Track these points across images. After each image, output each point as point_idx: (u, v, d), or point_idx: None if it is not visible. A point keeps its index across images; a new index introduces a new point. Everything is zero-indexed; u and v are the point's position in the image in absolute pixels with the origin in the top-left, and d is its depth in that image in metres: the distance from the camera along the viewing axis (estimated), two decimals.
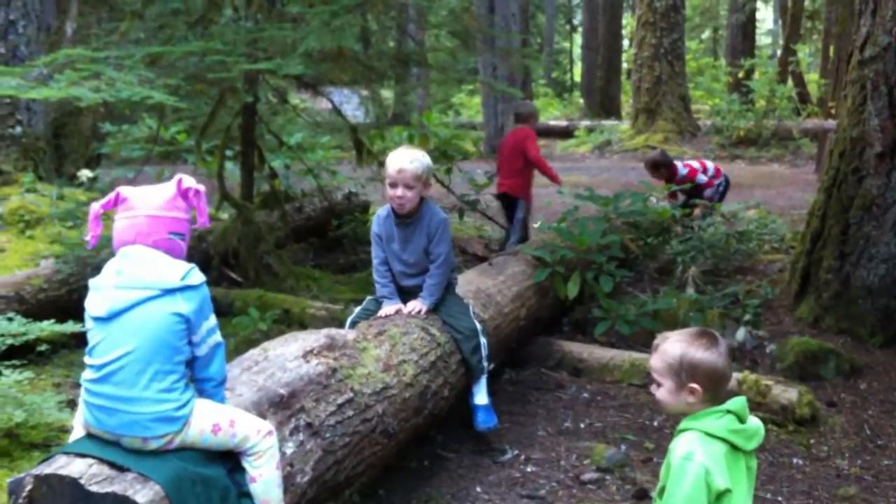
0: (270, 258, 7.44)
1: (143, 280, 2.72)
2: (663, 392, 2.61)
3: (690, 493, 2.43)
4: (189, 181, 2.90)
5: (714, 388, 2.56)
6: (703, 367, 2.54)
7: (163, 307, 2.71)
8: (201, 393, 2.87)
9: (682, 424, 2.59)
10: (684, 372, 2.55)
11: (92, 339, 2.78)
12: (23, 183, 8.45)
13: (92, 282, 2.82)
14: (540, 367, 5.73)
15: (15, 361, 4.82)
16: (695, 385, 2.54)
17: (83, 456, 2.63)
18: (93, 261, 5.95)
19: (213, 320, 2.86)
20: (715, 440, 2.52)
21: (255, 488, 2.86)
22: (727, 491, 2.47)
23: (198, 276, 2.81)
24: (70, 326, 4.86)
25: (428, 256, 4.45)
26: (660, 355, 2.61)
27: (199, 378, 2.86)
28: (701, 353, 2.54)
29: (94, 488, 2.49)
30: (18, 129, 8.78)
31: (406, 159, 4.26)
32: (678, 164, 8.74)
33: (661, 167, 8.62)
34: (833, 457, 4.48)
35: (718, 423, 2.54)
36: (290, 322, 6.39)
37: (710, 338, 2.59)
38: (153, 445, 2.70)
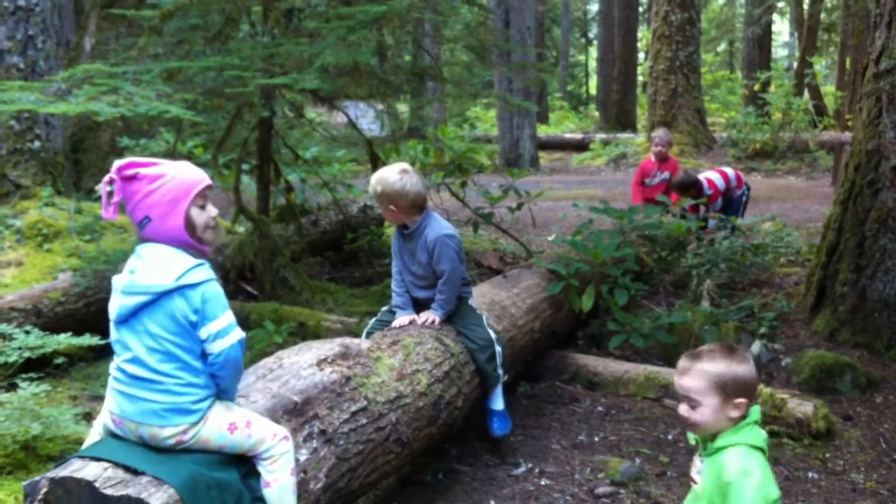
0: (286, 272, 7.48)
1: (141, 285, 2.72)
2: (705, 412, 2.62)
3: None
4: (116, 164, 2.77)
5: (752, 401, 2.65)
6: (751, 381, 2.63)
7: (162, 310, 2.71)
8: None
9: (721, 441, 2.63)
10: (730, 388, 2.58)
11: (111, 337, 2.83)
12: (41, 197, 8.52)
13: (113, 280, 2.85)
14: (554, 381, 5.73)
15: (32, 374, 4.85)
16: (741, 400, 2.57)
17: (98, 459, 2.66)
18: (111, 274, 5.99)
19: (222, 321, 2.78)
20: (757, 451, 2.59)
21: (269, 493, 2.87)
22: (777, 499, 2.55)
23: (197, 275, 2.74)
24: (87, 339, 4.90)
25: (434, 271, 4.44)
26: (698, 375, 2.62)
27: (211, 374, 2.84)
28: (744, 368, 2.61)
29: (108, 491, 2.52)
30: (37, 144, 8.84)
31: (370, 183, 4.35)
32: (702, 180, 8.67)
33: (691, 188, 8.52)
34: (849, 471, 4.46)
35: (756, 435, 2.62)
36: (306, 335, 6.41)
37: (741, 353, 2.67)
38: (168, 432, 2.72)
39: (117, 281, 2.82)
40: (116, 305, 2.77)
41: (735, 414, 2.60)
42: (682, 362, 2.69)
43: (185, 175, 2.83)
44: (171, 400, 2.72)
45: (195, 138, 9.21)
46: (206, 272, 2.77)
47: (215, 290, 2.79)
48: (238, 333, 2.84)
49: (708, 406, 2.61)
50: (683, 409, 2.67)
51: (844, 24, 21.96)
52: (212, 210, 2.89)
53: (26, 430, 4.30)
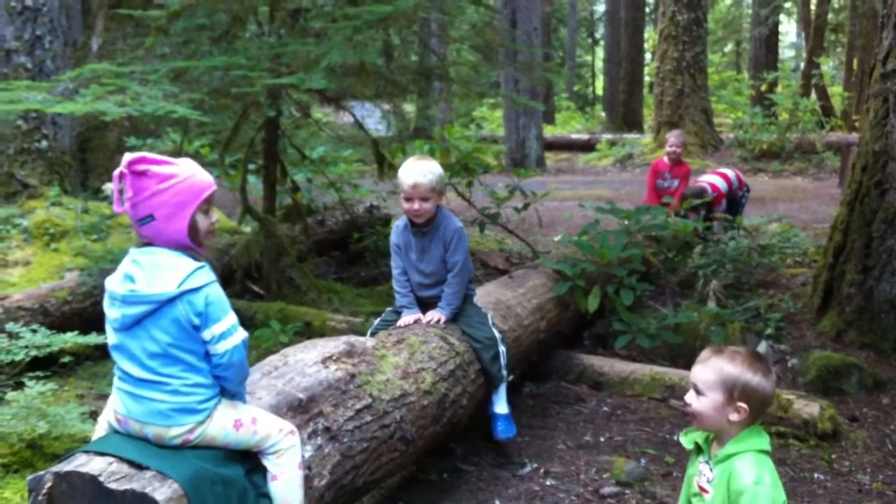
0: (293, 271, 7.48)
1: (143, 294, 2.70)
2: (706, 403, 2.63)
3: None
4: (127, 158, 2.72)
5: (758, 414, 2.64)
6: (759, 393, 2.61)
7: (166, 317, 2.70)
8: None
9: (731, 448, 2.63)
10: (738, 391, 2.58)
11: (110, 341, 2.81)
12: (48, 196, 8.54)
13: (107, 283, 2.81)
14: (560, 381, 5.72)
15: (39, 373, 4.86)
16: (743, 405, 2.57)
17: (103, 454, 2.65)
18: None
19: (225, 323, 2.77)
20: (766, 456, 2.60)
21: (275, 486, 2.87)
22: (784, 502, 2.56)
23: (199, 279, 2.72)
24: (94, 338, 4.90)
25: (445, 266, 4.46)
26: (713, 368, 2.64)
27: (216, 376, 2.84)
28: (759, 379, 2.61)
29: (113, 486, 2.51)
30: (44, 144, 8.87)
31: (419, 173, 4.25)
32: (706, 186, 8.74)
33: (702, 196, 8.61)
34: (855, 472, 4.45)
35: (764, 441, 2.63)
36: (312, 335, 6.41)
37: (766, 364, 2.66)
38: (175, 432, 2.72)
39: (113, 287, 2.77)
40: (118, 315, 2.74)
41: (734, 417, 2.60)
42: (704, 353, 2.71)
43: (196, 179, 2.80)
44: (178, 400, 2.72)
45: (202, 138, 9.22)
46: (207, 275, 2.76)
47: (217, 292, 2.77)
48: (241, 334, 2.83)
49: (710, 399, 2.62)
50: (690, 394, 2.68)
51: (852, 24, 21.93)
52: (213, 216, 2.88)
53: (33, 428, 4.31)
